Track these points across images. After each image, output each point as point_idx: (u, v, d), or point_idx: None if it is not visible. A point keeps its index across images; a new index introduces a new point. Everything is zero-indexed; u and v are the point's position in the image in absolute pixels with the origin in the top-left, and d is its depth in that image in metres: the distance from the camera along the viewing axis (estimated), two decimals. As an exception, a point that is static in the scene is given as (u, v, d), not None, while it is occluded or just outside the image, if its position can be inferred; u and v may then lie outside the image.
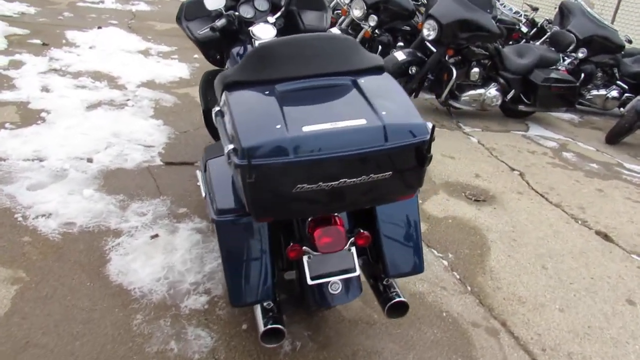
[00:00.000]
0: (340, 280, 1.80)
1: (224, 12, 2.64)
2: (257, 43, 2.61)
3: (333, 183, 1.43)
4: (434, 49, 4.64)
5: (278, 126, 1.40)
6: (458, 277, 2.60)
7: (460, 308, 2.36)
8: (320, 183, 1.42)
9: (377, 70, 1.73)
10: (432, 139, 1.44)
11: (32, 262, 2.25)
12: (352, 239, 1.78)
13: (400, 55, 4.61)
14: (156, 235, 2.52)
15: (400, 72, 4.67)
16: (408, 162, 1.49)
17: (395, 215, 1.91)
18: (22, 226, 2.47)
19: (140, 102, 4.26)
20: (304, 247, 1.72)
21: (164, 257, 2.37)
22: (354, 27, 5.20)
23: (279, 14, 2.76)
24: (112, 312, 2.02)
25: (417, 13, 5.28)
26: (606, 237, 3.24)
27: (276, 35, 2.64)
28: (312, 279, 1.77)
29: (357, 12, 5.06)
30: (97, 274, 2.22)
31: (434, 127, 1.44)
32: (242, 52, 2.63)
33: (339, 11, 5.71)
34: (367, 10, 5.03)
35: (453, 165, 3.99)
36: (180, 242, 2.49)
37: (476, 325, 2.26)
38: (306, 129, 1.40)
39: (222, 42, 2.77)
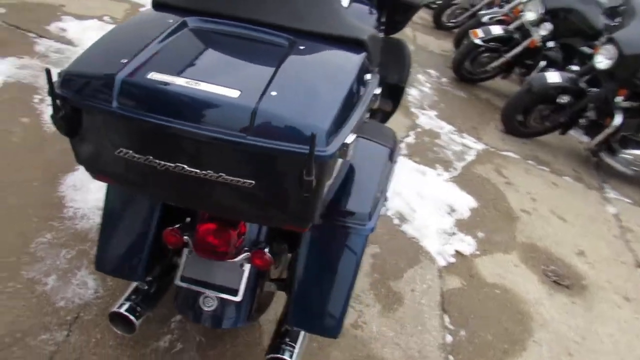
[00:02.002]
0: (217, 297, 1.36)
1: None
2: None
3: (167, 164, 0.99)
4: (603, 83, 3.61)
5: (124, 60, 0.99)
6: (448, 365, 1.93)
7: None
8: (150, 157, 0.99)
9: (349, 43, 1.20)
10: (311, 153, 0.89)
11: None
12: (248, 254, 1.32)
13: (553, 77, 3.67)
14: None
15: (544, 97, 3.75)
16: (277, 176, 0.98)
17: (326, 251, 1.39)
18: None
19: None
20: (185, 237, 1.32)
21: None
22: (523, 32, 4.32)
23: None
24: (29, 218, 1.85)
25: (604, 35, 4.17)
26: None
27: None
28: (182, 279, 1.36)
29: (530, 15, 4.16)
30: (53, 179, 2.08)
31: (314, 136, 0.89)
32: None
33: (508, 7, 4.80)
34: (543, 16, 4.10)
35: (556, 228, 3.08)
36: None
37: None
38: (154, 76, 0.96)
39: None
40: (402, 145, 3.40)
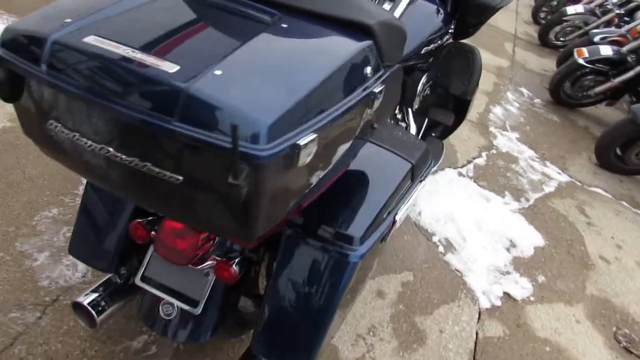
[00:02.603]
0: (178, 306, 1.21)
1: None
2: None
3: (93, 144, 0.84)
4: None
5: (68, 20, 0.86)
6: None
7: None
8: (77, 134, 0.85)
9: (352, 28, 0.97)
10: (234, 149, 0.69)
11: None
12: (214, 263, 1.15)
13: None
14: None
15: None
16: (207, 174, 0.79)
17: (304, 273, 1.17)
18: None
19: None
20: (152, 233, 1.18)
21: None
22: (639, 56, 3.74)
23: None
24: (42, 189, 1.83)
25: None
26: None
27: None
28: (142, 278, 1.23)
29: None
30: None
31: (235, 128, 0.67)
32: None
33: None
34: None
35: (625, 274, 2.58)
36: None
37: None
38: (90, 40, 0.82)
39: None
40: (470, 166, 3.05)
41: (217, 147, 0.72)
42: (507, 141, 3.51)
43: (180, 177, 0.80)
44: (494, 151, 3.33)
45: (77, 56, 0.81)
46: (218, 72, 0.77)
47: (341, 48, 0.94)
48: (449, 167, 2.97)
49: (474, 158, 3.17)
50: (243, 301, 1.32)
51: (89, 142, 0.85)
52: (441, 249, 2.34)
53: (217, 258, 1.16)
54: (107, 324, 1.47)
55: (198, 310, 1.18)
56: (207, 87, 0.75)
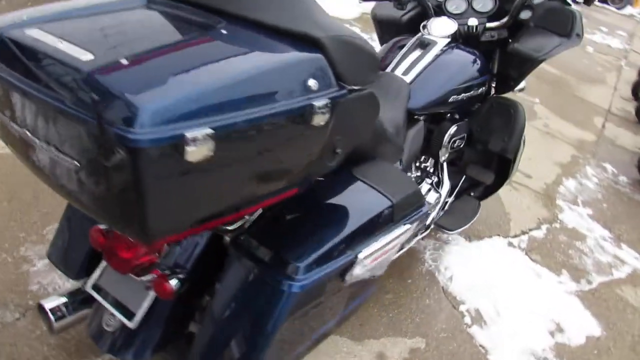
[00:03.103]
0: (118, 317, 1.17)
1: None
2: (423, 37, 1.93)
3: (18, 129, 0.87)
4: None
5: (24, 18, 0.92)
6: None
7: None
8: (9, 118, 0.89)
9: (301, 40, 0.94)
10: (100, 125, 0.67)
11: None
12: (153, 276, 1.11)
13: None
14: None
15: None
16: (95, 159, 0.76)
17: (240, 297, 1.10)
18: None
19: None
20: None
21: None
22: None
23: (501, 22, 1.97)
24: (62, 202, 1.92)
25: None
26: None
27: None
28: (93, 286, 1.22)
29: None
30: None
31: (95, 103, 0.66)
32: (399, 44, 1.97)
33: None
34: None
35: None
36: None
37: None
38: (31, 32, 0.86)
39: (400, 29, 2.15)
40: (524, 237, 2.78)
41: (91, 125, 0.71)
42: (575, 216, 3.17)
43: (77, 162, 0.78)
44: (557, 225, 3.01)
45: (12, 45, 0.85)
46: (124, 61, 0.77)
47: (276, 55, 0.90)
48: (498, 235, 2.72)
49: (531, 230, 2.88)
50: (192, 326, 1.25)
51: (16, 127, 0.87)
52: (467, 319, 2.10)
53: (160, 272, 1.12)
54: (74, 333, 1.47)
55: (133, 324, 1.13)
56: (105, 74, 0.74)
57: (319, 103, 0.90)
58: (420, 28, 1.99)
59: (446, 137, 1.90)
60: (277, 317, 1.03)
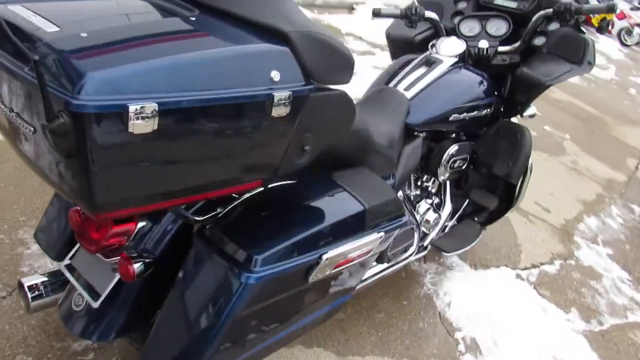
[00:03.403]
0: (85, 298, 1.19)
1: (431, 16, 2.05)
2: (430, 55, 1.94)
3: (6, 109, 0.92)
4: None
5: None
6: None
7: None
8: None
9: (269, 33, 0.96)
10: (40, 83, 0.70)
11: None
12: (116, 259, 1.13)
13: None
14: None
15: None
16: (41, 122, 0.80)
17: (196, 286, 1.10)
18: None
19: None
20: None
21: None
22: None
23: (513, 47, 1.98)
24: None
25: None
26: None
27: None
28: (66, 265, 1.25)
29: None
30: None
31: (36, 62, 0.69)
32: (407, 61, 1.98)
33: None
34: None
35: None
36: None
37: None
38: (13, 7, 0.92)
39: (413, 49, 2.16)
40: (534, 271, 2.68)
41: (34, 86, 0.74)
42: (593, 255, 3.04)
43: (32, 128, 0.82)
44: (571, 262, 2.89)
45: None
46: (83, 35, 0.80)
47: (240, 44, 0.92)
48: (506, 266, 2.64)
49: (542, 264, 2.77)
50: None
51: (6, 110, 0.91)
52: (462, 347, 2.02)
53: (127, 255, 1.13)
54: (55, 316, 1.49)
55: (97, 304, 1.15)
56: (61, 43, 0.77)
57: (279, 94, 0.91)
58: (429, 47, 2.00)
59: (445, 156, 1.87)
60: (232, 308, 1.03)
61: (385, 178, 1.61)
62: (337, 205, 1.22)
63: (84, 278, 1.21)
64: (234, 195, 1.17)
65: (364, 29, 5.78)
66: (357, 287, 1.63)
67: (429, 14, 2.04)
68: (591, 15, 1.89)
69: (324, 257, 1.13)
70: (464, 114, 1.85)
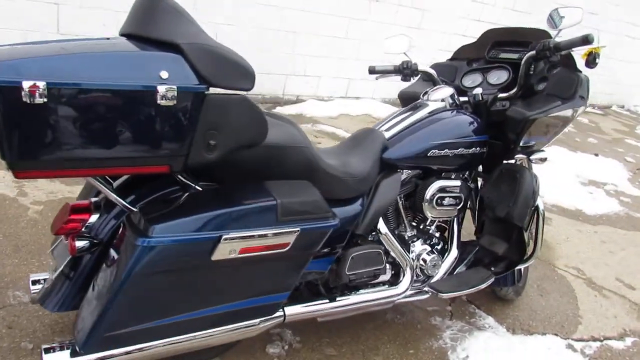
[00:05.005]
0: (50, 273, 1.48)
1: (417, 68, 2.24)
2: (419, 102, 2.11)
3: None
4: None
5: None
6: None
7: None
8: None
9: (164, 46, 1.18)
10: None
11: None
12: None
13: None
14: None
15: None
16: None
17: (113, 257, 1.32)
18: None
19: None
20: None
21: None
22: None
23: (509, 93, 2.06)
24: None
25: None
26: None
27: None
28: (52, 251, 1.57)
29: None
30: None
31: None
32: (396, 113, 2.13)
33: None
34: None
35: None
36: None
37: None
38: None
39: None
40: (593, 344, 2.32)
41: None
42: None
43: None
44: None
45: None
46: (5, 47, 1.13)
47: (136, 50, 1.18)
48: (556, 334, 2.33)
49: (607, 338, 2.39)
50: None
51: None
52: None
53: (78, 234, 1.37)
54: (59, 316, 1.77)
55: (53, 276, 1.39)
56: None
57: (163, 88, 1.11)
58: (421, 95, 2.12)
59: (428, 192, 1.88)
60: (130, 268, 1.17)
61: (348, 202, 1.69)
62: (249, 197, 1.34)
63: (56, 260, 1.48)
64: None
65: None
66: (327, 316, 1.68)
67: (423, 67, 2.19)
68: (572, 50, 1.88)
69: (224, 236, 1.26)
70: (445, 150, 1.88)
